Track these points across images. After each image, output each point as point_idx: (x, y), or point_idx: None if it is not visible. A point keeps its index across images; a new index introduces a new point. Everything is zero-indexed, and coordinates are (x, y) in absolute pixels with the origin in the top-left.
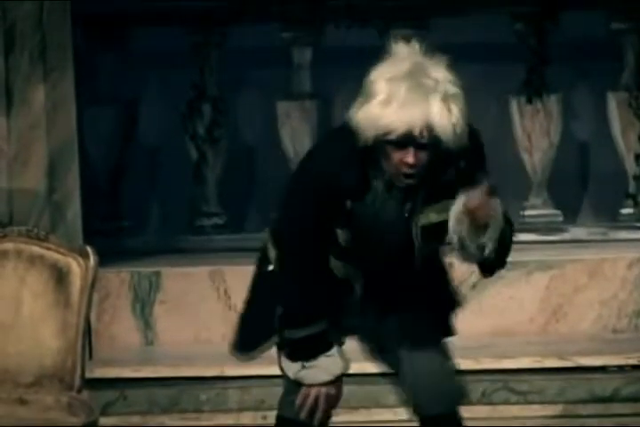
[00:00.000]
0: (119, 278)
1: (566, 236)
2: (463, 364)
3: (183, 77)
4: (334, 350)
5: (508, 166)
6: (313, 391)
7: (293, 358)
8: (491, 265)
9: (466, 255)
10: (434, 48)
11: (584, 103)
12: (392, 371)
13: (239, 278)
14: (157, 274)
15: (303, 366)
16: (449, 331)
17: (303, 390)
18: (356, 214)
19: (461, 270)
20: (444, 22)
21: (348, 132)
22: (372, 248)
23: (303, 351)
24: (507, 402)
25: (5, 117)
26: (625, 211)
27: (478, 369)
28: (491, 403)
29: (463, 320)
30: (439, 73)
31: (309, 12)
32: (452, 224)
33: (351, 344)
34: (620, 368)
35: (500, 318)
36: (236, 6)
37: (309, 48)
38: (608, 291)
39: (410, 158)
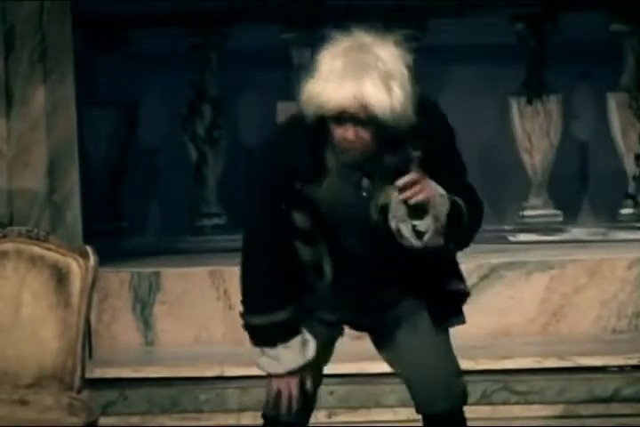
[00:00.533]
0: (119, 279)
1: (566, 236)
2: (463, 364)
3: (183, 79)
4: (294, 342)
5: (508, 167)
6: (274, 382)
7: (253, 342)
8: (441, 249)
9: (407, 242)
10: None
11: (584, 104)
12: (389, 363)
13: (239, 279)
14: (157, 274)
15: (263, 353)
16: (448, 320)
17: (269, 381)
18: (316, 198)
19: (462, 269)
20: (444, 23)
21: (300, 117)
22: (337, 232)
23: (260, 338)
24: (507, 402)
25: (5, 119)
26: (625, 211)
27: (478, 369)
28: (491, 403)
29: None
30: (383, 50)
31: (309, 13)
32: (390, 209)
33: (352, 345)
34: (621, 369)
35: (500, 318)
36: (235, 7)
37: (309, 49)
38: (608, 291)
39: (349, 134)
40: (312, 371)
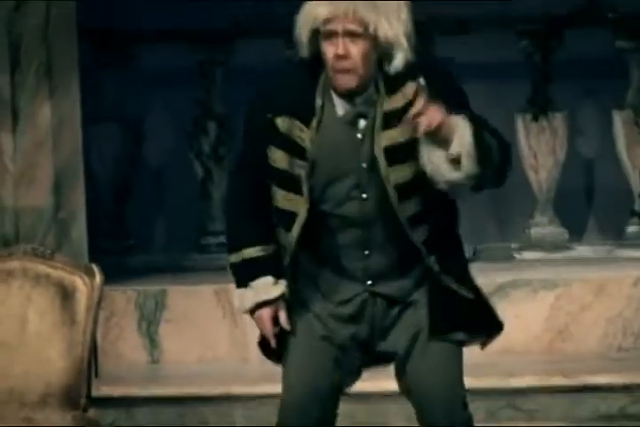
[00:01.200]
0: (125, 297)
1: (572, 254)
2: (468, 382)
3: (188, 95)
4: (262, 281)
5: (514, 184)
6: (255, 316)
7: (235, 284)
8: (483, 183)
9: (445, 178)
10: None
11: (589, 121)
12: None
13: None
14: (163, 292)
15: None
16: (451, 333)
17: None
18: (303, 140)
19: None
20: (450, 40)
21: (296, 63)
22: (325, 182)
23: (236, 278)
24: (512, 420)
25: (11, 135)
26: (630, 229)
27: (484, 387)
28: (496, 421)
29: None
30: None
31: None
32: (420, 150)
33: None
34: (626, 387)
35: (506, 336)
36: (240, 24)
37: None
38: (613, 309)
39: (339, 48)
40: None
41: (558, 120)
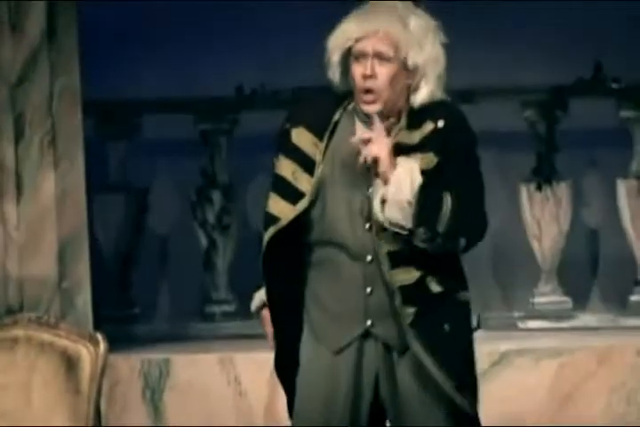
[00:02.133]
0: (129, 365)
1: (576, 323)
2: None
3: (193, 165)
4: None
5: (518, 253)
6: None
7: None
8: (419, 240)
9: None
10: None
11: (594, 190)
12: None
13: (249, 365)
14: (167, 361)
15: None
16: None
17: None
18: (311, 155)
19: None
20: None
21: (330, 90)
22: (337, 206)
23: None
24: None
25: (15, 205)
26: (634, 298)
27: None
28: None
29: None
30: (407, 7)
31: None
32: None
33: None
34: None
35: (510, 404)
36: (245, 94)
37: None
38: (617, 378)
39: (367, 69)
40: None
41: (562, 189)
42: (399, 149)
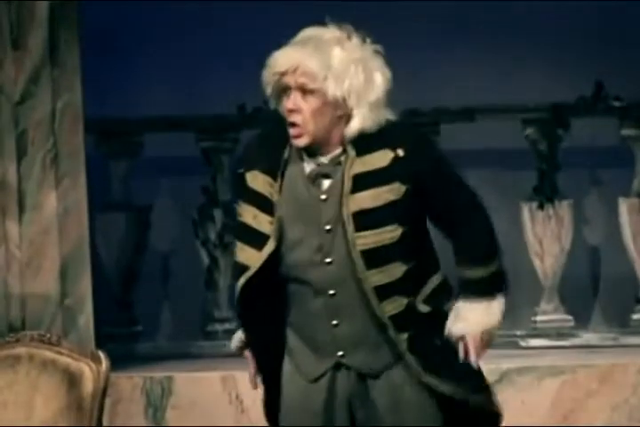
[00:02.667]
0: (131, 383)
1: (577, 341)
2: None
3: (195, 183)
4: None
5: (520, 272)
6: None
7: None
8: None
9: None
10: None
11: (595, 209)
12: None
13: None
14: (169, 379)
15: None
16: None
17: None
18: (269, 195)
19: None
20: (456, 128)
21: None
22: (296, 244)
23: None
24: None
25: (17, 223)
26: (636, 316)
27: None
28: None
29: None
30: (334, 38)
31: None
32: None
33: None
34: None
35: (512, 423)
36: (246, 113)
37: None
38: (619, 396)
39: (289, 102)
40: None
41: (564, 208)
42: (362, 179)
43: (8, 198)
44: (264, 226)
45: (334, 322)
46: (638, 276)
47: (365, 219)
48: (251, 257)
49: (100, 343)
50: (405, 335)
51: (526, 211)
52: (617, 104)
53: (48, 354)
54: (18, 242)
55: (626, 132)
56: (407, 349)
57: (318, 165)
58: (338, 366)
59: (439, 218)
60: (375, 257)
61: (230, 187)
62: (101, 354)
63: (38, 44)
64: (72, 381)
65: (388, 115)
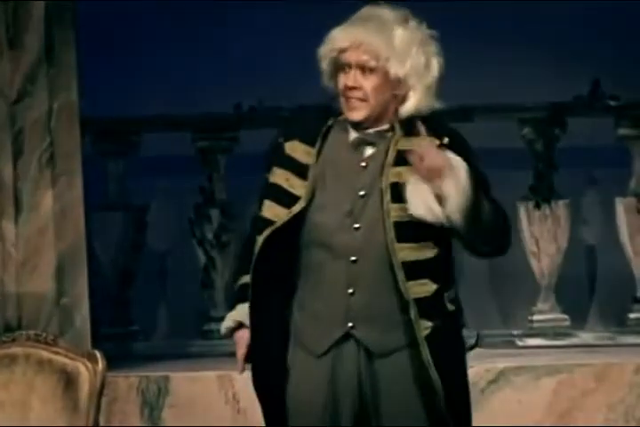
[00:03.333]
0: (128, 383)
1: (574, 340)
2: None
3: (191, 182)
4: (242, 306)
5: (516, 271)
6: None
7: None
8: (475, 245)
9: (427, 217)
10: None
11: (592, 209)
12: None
13: (247, 383)
14: (166, 378)
15: None
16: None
17: None
18: (305, 163)
19: (469, 374)
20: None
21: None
22: (326, 206)
23: (231, 302)
24: None
25: (13, 222)
26: (633, 316)
27: None
28: None
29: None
30: (396, 18)
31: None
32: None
33: None
34: None
35: (508, 422)
36: (244, 112)
37: None
38: (616, 396)
39: (349, 80)
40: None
41: (560, 208)
42: (404, 155)
43: (4, 198)
44: (296, 188)
45: (350, 290)
46: (635, 275)
47: (401, 191)
48: (278, 213)
49: (96, 343)
50: (429, 324)
51: (523, 210)
52: (613, 104)
53: (44, 354)
54: (14, 241)
55: (622, 131)
56: (425, 338)
57: (364, 134)
58: (346, 338)
59: None
60: (407, 231)
61: (266, 159)
62: (98, 354)
63: (34, 42)
64: (68, 380)
65: (437, 103)
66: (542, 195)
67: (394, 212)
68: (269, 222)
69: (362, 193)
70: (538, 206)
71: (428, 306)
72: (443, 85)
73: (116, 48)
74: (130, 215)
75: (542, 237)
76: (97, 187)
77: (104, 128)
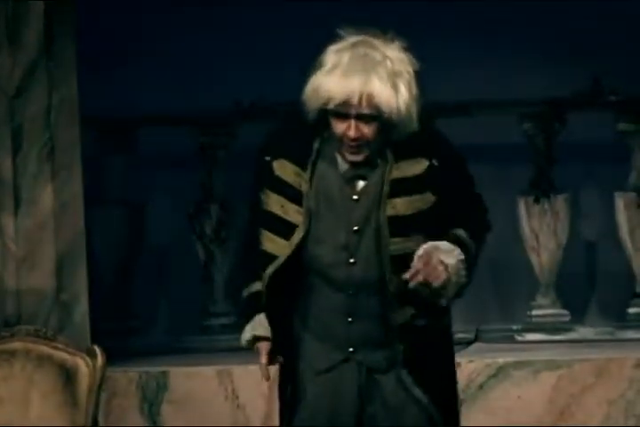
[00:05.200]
0: (127, 378)
1: (573, 335)
2: None
3: (191, 178)
4: (257, 317)
5: (516, 266)
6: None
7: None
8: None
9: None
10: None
11: (592, 203)
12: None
13: (247, 378)
14: (165, 374)
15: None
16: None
17: None
18: (304, 184)
19: (469, 369)
20: (452, 123)
21: (299, 114)
22: (322, 239)
23: (244, 311)
24: None
25: (13, 217)
26: (632, 310)
27: None
28: None
29: (470, 420)
30: (390, 50)
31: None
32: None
33: None
34: None
35: (508, 417)
36: (243, 108)
37: None
38: (615, 391)
39: (351, 131)
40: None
41: (560, 202)
42: (398, 185)
43: (3, 193)
44: (292, 215)
45: (350, 319)
46: (635, 270)
47: (398, 225)
48: (279, 247)
49: (95, 338)
50: (405, 346)
51: (522, 205)
52: (613, 99)
53: (44, 349)
54: (13, 237)
55: (622, 126)
56: (410, 353)
57: (353, 164)
58: (346, 360)
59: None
60: (402, 263)
61: (254, 174)
62: (97, 349)
63: (34, 37)
64: (68, 376)
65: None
66: (542, 190)
67: (392, 245)
68: (272, 256)
69: (355, 228)
70: (537, 201)
71: (405, 329)
72: (440, 83)
73: (116, 45)
74: (129, 211)
75: (542, 232)
76: (96, 182)
77: (104, 123)
